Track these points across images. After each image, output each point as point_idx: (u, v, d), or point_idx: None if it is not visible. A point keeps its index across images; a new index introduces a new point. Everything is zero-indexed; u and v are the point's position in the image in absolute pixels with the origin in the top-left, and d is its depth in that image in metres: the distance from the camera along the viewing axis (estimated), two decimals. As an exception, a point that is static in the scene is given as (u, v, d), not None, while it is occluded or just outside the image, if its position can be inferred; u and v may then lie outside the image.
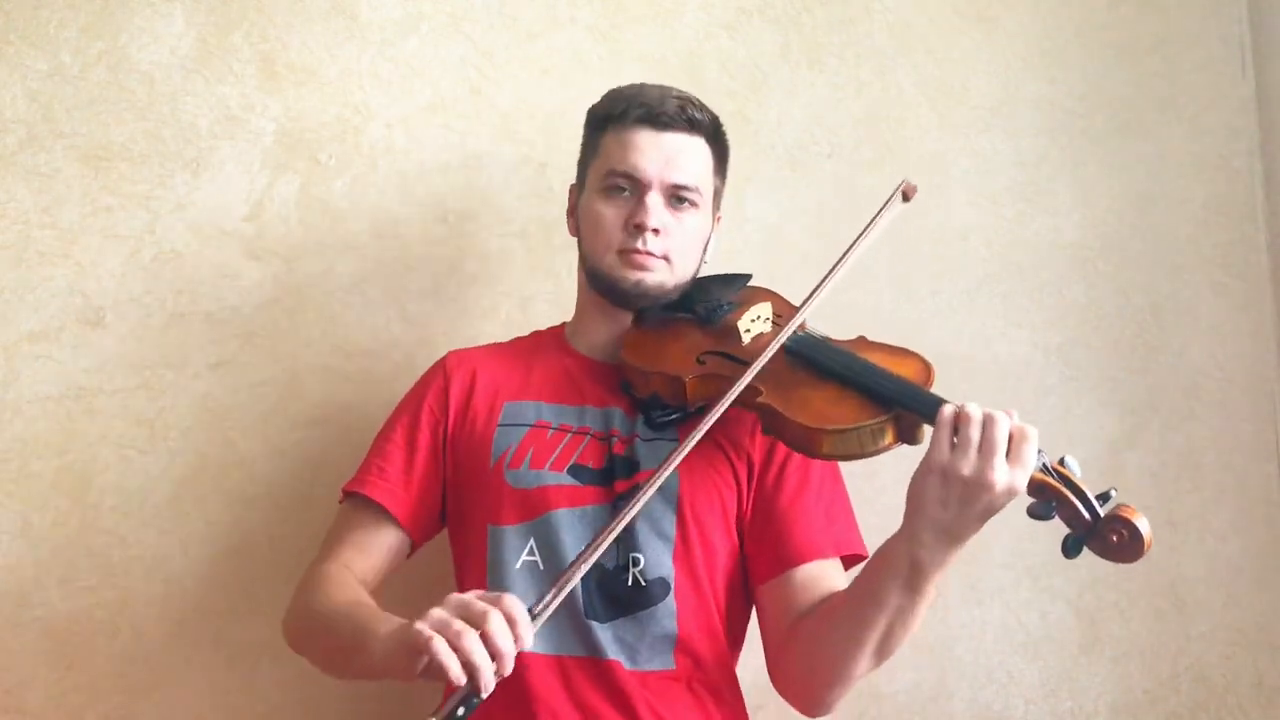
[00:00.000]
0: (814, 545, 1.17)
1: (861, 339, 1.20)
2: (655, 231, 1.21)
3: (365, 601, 1.11)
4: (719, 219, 1.34)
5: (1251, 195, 1.71)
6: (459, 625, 0.89)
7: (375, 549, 1.22)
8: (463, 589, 1.09)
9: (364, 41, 1.57)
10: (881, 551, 1.05)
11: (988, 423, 0.97)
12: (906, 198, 1.21)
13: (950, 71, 1.69)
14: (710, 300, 1.25)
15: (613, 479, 1.18)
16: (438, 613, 0.91)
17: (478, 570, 1.19)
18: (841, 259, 1.16)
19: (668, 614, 1.14)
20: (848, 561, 1.19)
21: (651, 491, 1.01)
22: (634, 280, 1.22)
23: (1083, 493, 0.97)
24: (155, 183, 1.50)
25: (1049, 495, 0.98)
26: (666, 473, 1.02)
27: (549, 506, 1.16)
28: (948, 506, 0.97)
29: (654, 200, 1.22)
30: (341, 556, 1.20)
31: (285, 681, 1.44)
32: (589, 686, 1.11)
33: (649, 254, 1.21)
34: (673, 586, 1.14)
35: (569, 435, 1.21)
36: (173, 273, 1.49)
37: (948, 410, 0.98)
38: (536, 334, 1.38)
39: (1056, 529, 1.60)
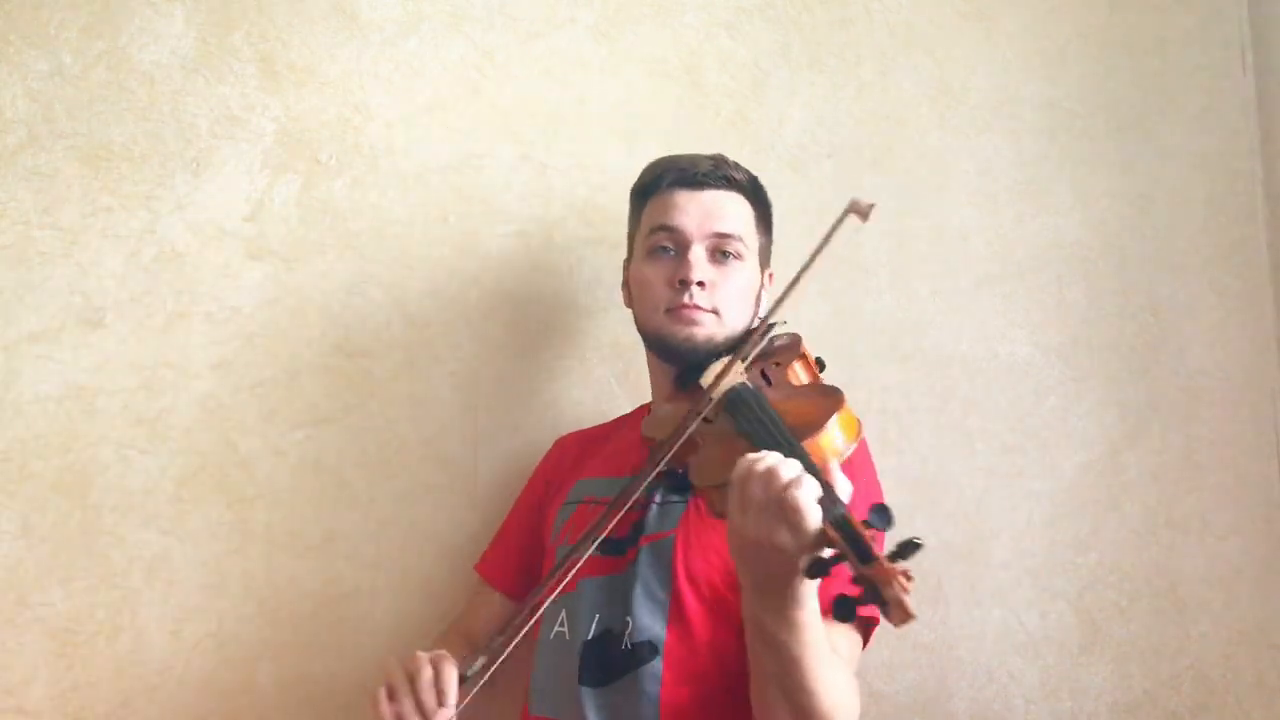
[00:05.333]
0: None
1: (814, 382, 1.17)
2: (700, 285, 1.23)
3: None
4: (771, 276, 1.35)
5: (1251, 195, 1.70)
6: (398, 682, 1.07)
7: (484, 612, 1.40)
8: (529, 663, 1.25)
9: (364, 41, 1.57)
10: (742, 616, 1.02)
11: (766, 478, 0.90)
12: (864, 217, 1.08)
13: (950, 71, 1.69)
14: (711, 358, 1.23)
15: (627, 546, 1.20)
16: (390, 669, 1.09)
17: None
18: (779, 301, 1.09)
19: (652, 678, 1.13)
20: (869, 625, 1.18)
21: (586, 554, 1.10)
22: (684, 335, 1.24)
23: (862, 545, 0.85)
24: (155, 183, 1.50)
25: (836, 548, 0.87)
26: (603, 533, 1.10)
27: (580, 576, 1.18)
28: (752, 567, 0.93)
29: (697, 255, 1.24)
30: (461, 625, 1.41)
31: (285, 681, 1.45)
32: None
33: (697, 308, 1.23)
34: (661, 650, 1.13)
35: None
36: (173, 273, 1.49)
37: (738, 468, 0.93)
38: (639, 409, 1.42)
39: (1061, 532, 1.60)
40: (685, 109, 1.63)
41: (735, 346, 1.23)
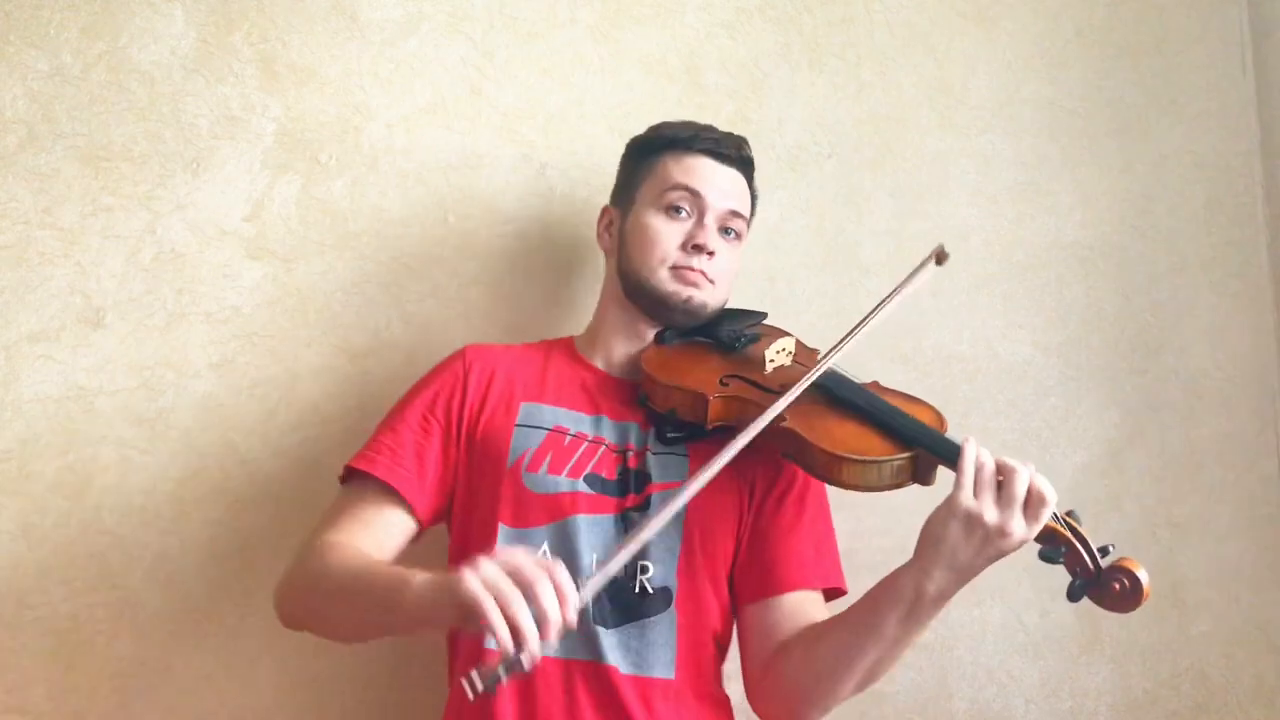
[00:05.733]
0: (803, 575, 1.22)
1: (875, 384, 1.25)
2: (710, 254, 1.27)
3: (381, 560, 1.11)
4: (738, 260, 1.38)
5: (1251, 195, 1.71)
6: (509, 589, 0.89)
7: (382, 527, 1.18)
8: None
9: (364, 41, 1.57)
10: (886, 584, 1.10)
11: (1008, 474, 1.04)
12: (940, 262, 1.26)
13: (950, 71, 1.69)
14: (732, 329, 1.30)
15: (625, 491, 1.21)
16: (489, 570, 0.90)
17: None
18: (876, 309, 1.22)
19: (669, 623, 1.17)
20: (828, 595, 1.24)
21: (682, 502, 1.04)
22: (685, 296, 1.27)
23: (1088, 543, 1.05)
24: (155, 183, 1.50)
25: (1058, 542, 1.06)
26: (698, 486, 1.05)
27: (569, 512, 1.18)
28: (965, 548, 1.04)
29: (712, 224, 1.28)
30: (345, 530, 1.16)
31: (285, 681, 1.45)
32: (585, 691, 1.13)
33: (702, 273, 1.27)
34: (675, 598, 1.17)
35: (585, 444, 1.24)
36: (173, 273, 1.49)
37: (970, 457, 1.05)
38: (547, 342, 1.40)
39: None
40: (685, 109, 1.63)
41: (721, 322, 1.30)
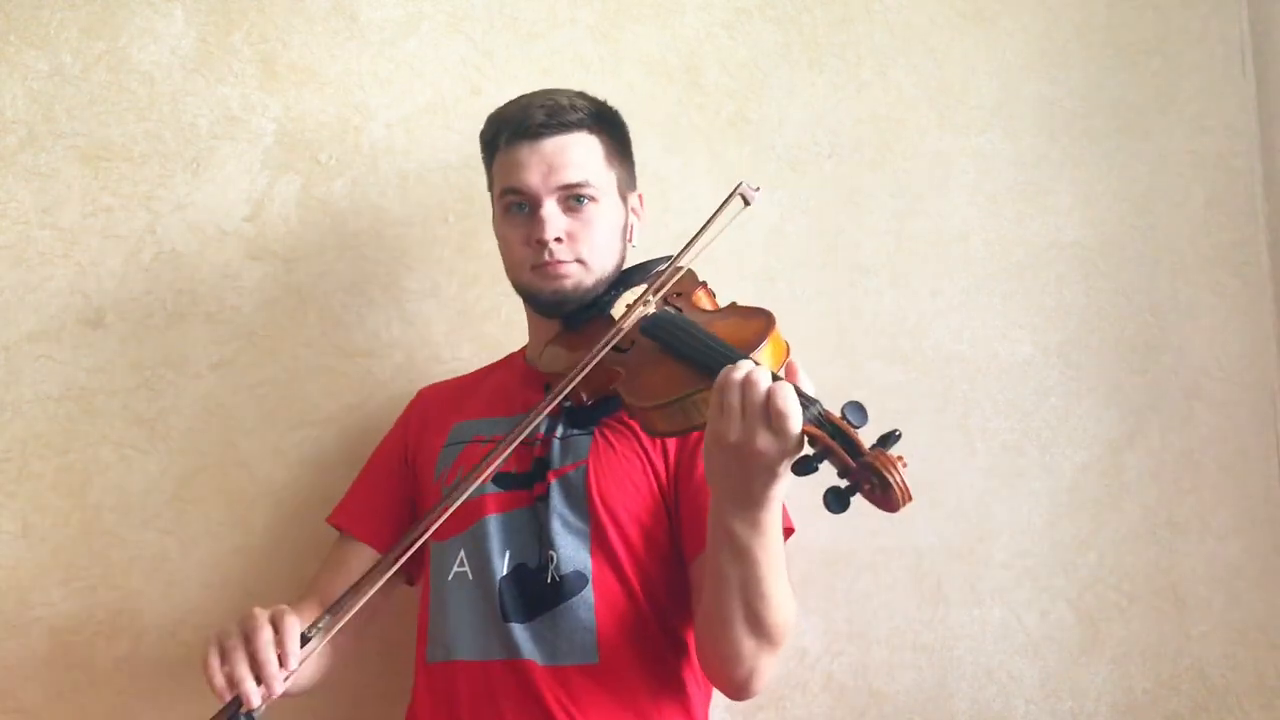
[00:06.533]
0: None
1: (732, 304, 1.20)
2: (559, 240, 1.22)
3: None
4: (641, 197, 1.34)
5: (1251, 195, 1.70)
6: (232, 641, 0.97)
7: (344, 568, 1.27)
8: (422, 608, 1.24)
9: (364, 41, 1.57)
10: (708, 530, 1.05)
11: (746, 385, 0.93)
12: (746, 201, 1.20)
13: (950, 71, 1.69)
14: (617, 292, 1.27)
15: (533, 481, 1.20)
16: (225, 626, 0.99)
17: (427, 588, 1.24)
18: (686, 248, 1.17)
19: (585, 606, 1.14)
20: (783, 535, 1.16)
21: (495, 467, 1.09)
22: (551, 290, 1.24)
23: (849, 440, 0.90)
24: (155, 183, 1.50)
25: (818, 446, 0.92)
26: (497, 462, 1.08)
27: (478, 516, 1.19)
28: (730, 472, 0.96)
29: (549, 210, 1.22)
30: (323, 573, 1.30)
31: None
32: (504, 689, 1.12)
33: (559, 263, 1.22)
34: (590, 578, 1.15)
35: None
36: (173, 273, 1.49)
37: (719, 377, 0.96)
38: (507, 356, 1.40)
39: (1061, 532, 1.60)
40: (685, 109, 1.63)
41: (625, 282, 1.28)
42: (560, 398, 1.11)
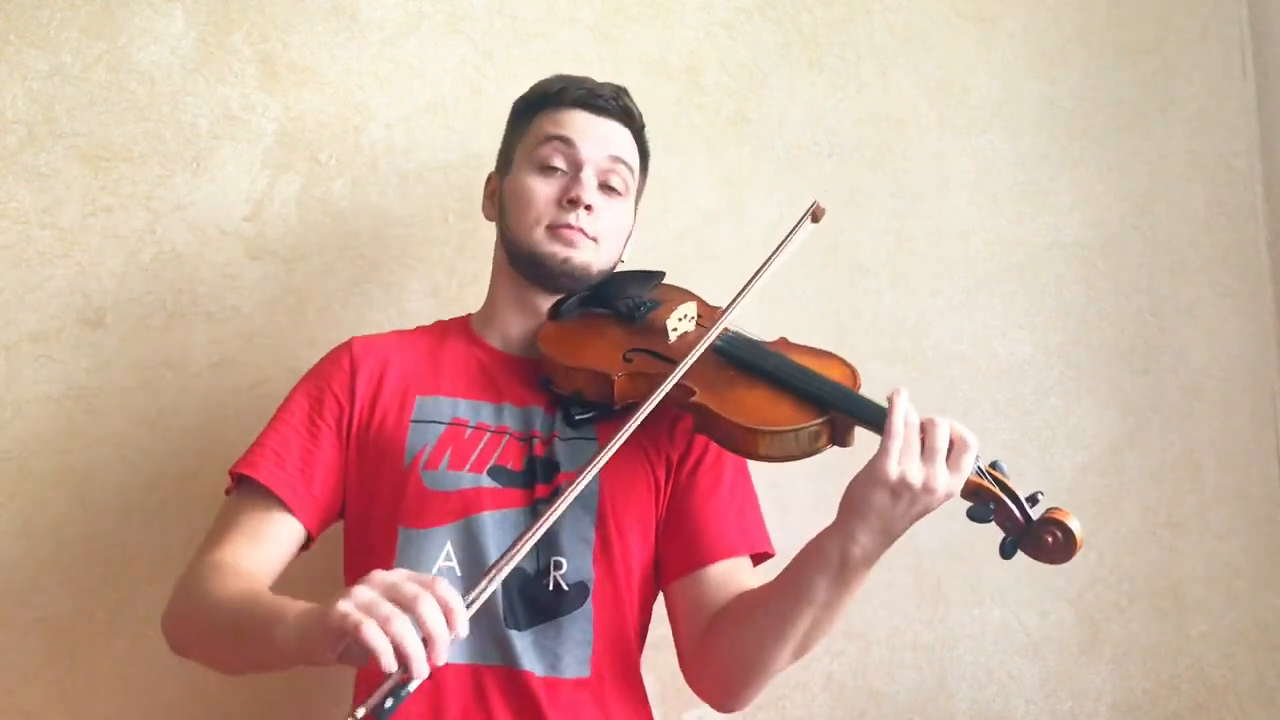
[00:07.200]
0: (726, 543, 1.16)
1: (783, 340, 1.20)
2: (589, 209, 1.19)
3: (261, 589, 1.03)
4: (636, 219, 1.32)
5: (1251, 195, 1.71)
6: (389, 608, 0.81)
7: (269, 538, 1.12)
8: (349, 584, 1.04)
9: (364, 41, 1.57)
10: (812, 547, 1.05)
11: (929, 429, 0.99)
12: (815, 219, 1.23)
13: (950, 71, 1.69)
14: (629, 296, 1.23)
15: (534, 481, 1.14)
16: (364, 593, 0.83)
17: (356, 565, 1.17)
18: (763, 267, 1.18)
19: (585, 619, 1.11)
20: (756, 560, 1.19)
21: (578, 491, 0.97)
22: (562, 257, 1.19)
23: (1016, 495, 1.00)
24: (155, 183, 1.50)
25: (985, 498, 1.01)
26: (592, 473, 0.98)
27: (472, 510, 1.11)
28: (892, 511, 0.99)
29: (589, 177, 1.19)
30: (230, 545, 1.10)
31: (285, 682, 1.44)
32: (499, 697, 1.07)
33: (580, 230, 1.18)
34: (591, 590, 1.12)
35: (488, 434, 1.17)
36: (173, 273, 1.49)
37: (900, 417, 0.99)
38: (440, 323, 1.32)
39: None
40: (685, 108, 1.63)
41: (615, 287, 1.23)
42: (643, 417, 1.03)
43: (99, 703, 1.40)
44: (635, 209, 1.30)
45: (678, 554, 1.16)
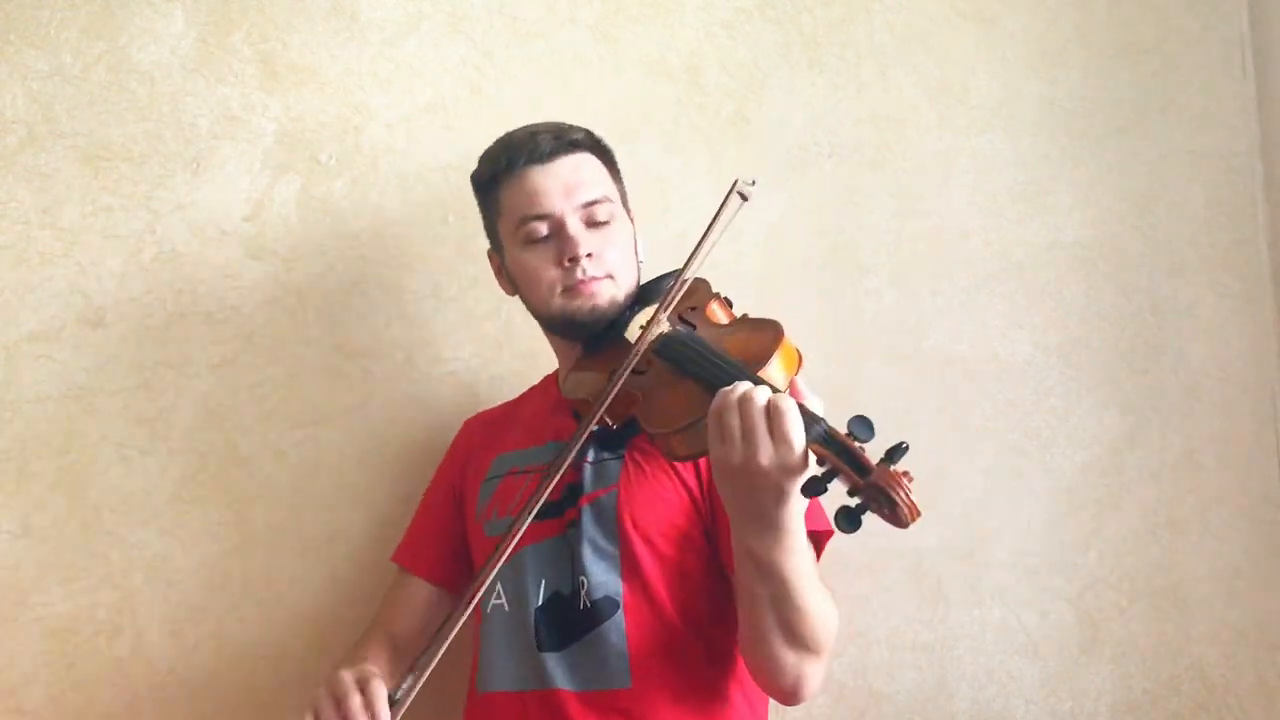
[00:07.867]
0: None
1: (744, 316, 1.19)
2: (589, 257, 1.21)
3: (359, 656, 1.24)
4: (633, 218, 1.33)
5: (1251, 195, 1.70)
6: (326, 707, 1.02)
7: (407, 604, 1.33)
8: (475, 636, 1.25)
9: (364, 41, 1.57)
10: (732, 548, 1.05)
11: (743, 405, 0.93)
12: (744, 197, 1.20)
13: (950, 71, 1.68)
14: (632, 312, 1.25)
15: (565, 508, 1.19)
16: (317, 690, 1.05)
17: (479, 618, 1.25)
18: (690, 258, 1.17)
19: (616, 631, 1.14)
20: (820, 538, 1.17)
21: (534, 512, 1.07)
22: (589, 307, 1.22)
23: (855, 458, 0.90)
24: (155, 183, 1.50)
25: (826, 465, 0.92)
26: (542, 498, 1.07)
27: (518, 548, 1.15)
28: (739, 496, 0.96)
29: (574, 228, 1.21)
30: (381, 618, 1.34)
31: (284, 682, 1.45)
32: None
33: (592, 279, 1.21)
34: (621, 603, 1.15)
35: (533, 474, 1.23)
36: (173, 273, 1.49)
37: (714, 401, 0.96)
38: (545, 379, 1.40)
39: (1061, 532, 1.60)
40: (685, 109, 1.63)
41: (641, 299, 1.26)
42: (588, 431, 1.10)
43: (99, 703, 1.40)
44: (627, 210, 1.32)
45: (727, 548, 1.16)
